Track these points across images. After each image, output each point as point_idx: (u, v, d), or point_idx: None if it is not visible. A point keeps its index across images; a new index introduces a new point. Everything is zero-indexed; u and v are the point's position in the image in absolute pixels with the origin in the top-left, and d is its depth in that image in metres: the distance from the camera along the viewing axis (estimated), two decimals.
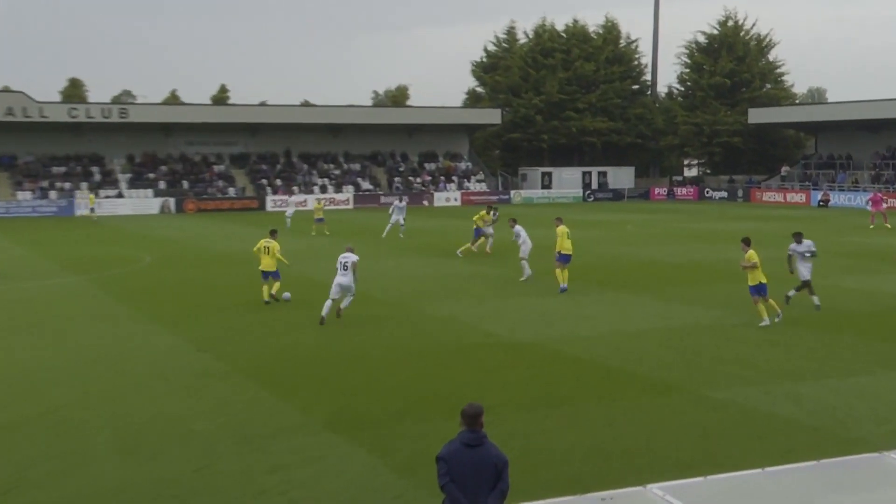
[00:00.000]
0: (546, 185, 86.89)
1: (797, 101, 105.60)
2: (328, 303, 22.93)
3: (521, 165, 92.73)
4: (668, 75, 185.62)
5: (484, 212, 38.97)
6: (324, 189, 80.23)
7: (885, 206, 55.91)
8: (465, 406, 8.75)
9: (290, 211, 53.83)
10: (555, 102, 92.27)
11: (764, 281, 22.38)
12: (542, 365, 18.47)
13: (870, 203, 54.86)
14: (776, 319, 22.38)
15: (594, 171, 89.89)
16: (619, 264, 34.72)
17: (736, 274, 32.19)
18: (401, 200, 47.92)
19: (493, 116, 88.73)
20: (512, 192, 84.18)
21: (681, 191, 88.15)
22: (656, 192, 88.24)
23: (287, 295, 26.46)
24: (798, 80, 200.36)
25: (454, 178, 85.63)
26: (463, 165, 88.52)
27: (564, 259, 27.79)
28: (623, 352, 19.65)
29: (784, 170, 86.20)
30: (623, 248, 40.73)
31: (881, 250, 39.04)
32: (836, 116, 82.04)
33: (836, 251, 39.38)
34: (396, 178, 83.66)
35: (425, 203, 78.64)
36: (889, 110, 76.52)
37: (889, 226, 51.59)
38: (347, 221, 60.37)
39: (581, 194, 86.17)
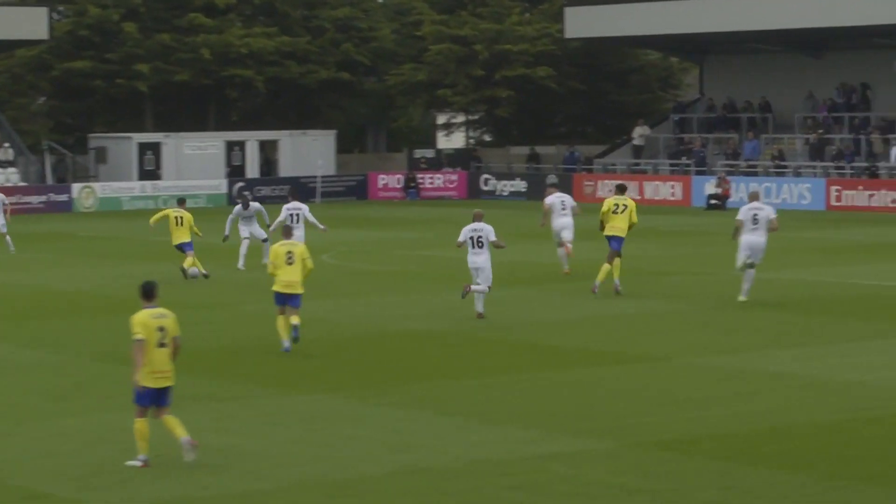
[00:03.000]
0: (149, 173, 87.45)
1: None
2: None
3: (93, 131, 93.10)
4: None
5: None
6: None
7: None
8: None
9: None
10: None
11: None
12: None
13: None
14: None
15: (251, 140, 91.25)
16: (354, 341, 35.43)
17: (602, 357, 33.79)
18: (245, 207, 51.75)
19: (30, 25, 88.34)
20: (75, 186, 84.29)
21: (432, 180, 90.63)
22: (382, 184, 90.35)
23: (194, 271, 47.07)
24: None
25: None
26: None
27: None
28: None
29: (639, 134, 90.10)
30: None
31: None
32: (738, 25, 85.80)
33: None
34: None
35: None
36: (842, 14, 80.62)
37: None
38: None
39: (224, 190, 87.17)
